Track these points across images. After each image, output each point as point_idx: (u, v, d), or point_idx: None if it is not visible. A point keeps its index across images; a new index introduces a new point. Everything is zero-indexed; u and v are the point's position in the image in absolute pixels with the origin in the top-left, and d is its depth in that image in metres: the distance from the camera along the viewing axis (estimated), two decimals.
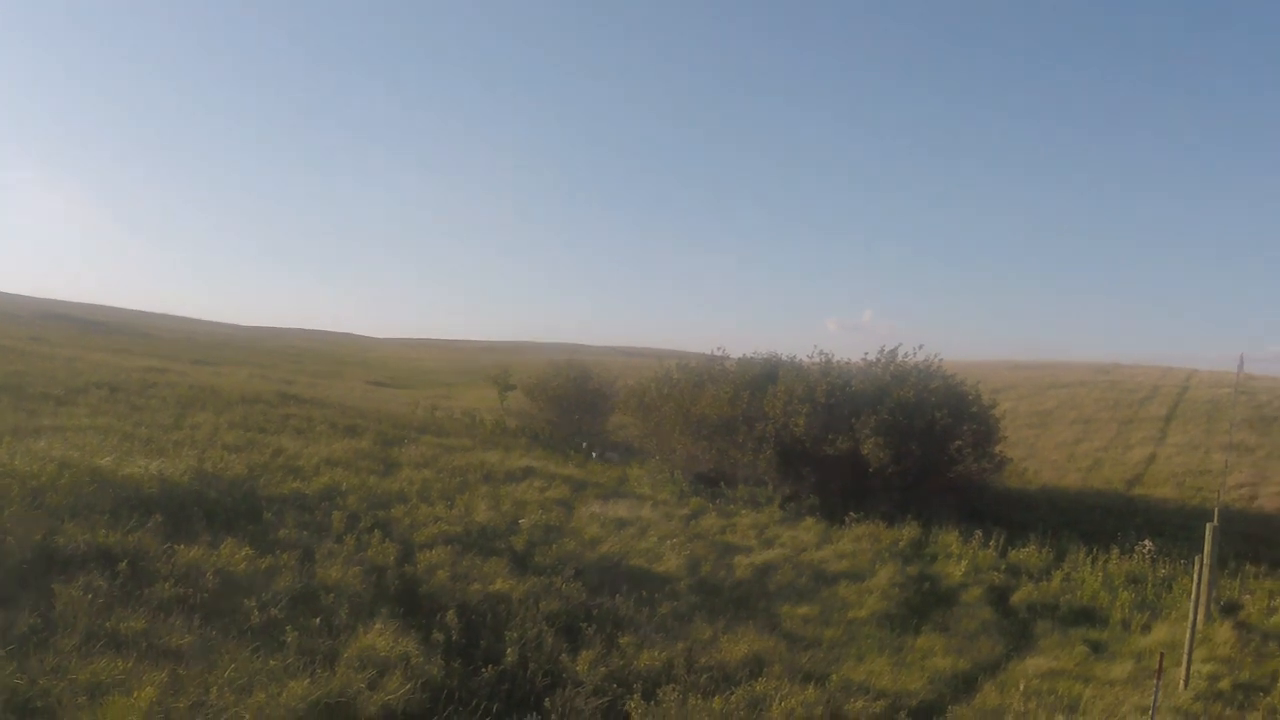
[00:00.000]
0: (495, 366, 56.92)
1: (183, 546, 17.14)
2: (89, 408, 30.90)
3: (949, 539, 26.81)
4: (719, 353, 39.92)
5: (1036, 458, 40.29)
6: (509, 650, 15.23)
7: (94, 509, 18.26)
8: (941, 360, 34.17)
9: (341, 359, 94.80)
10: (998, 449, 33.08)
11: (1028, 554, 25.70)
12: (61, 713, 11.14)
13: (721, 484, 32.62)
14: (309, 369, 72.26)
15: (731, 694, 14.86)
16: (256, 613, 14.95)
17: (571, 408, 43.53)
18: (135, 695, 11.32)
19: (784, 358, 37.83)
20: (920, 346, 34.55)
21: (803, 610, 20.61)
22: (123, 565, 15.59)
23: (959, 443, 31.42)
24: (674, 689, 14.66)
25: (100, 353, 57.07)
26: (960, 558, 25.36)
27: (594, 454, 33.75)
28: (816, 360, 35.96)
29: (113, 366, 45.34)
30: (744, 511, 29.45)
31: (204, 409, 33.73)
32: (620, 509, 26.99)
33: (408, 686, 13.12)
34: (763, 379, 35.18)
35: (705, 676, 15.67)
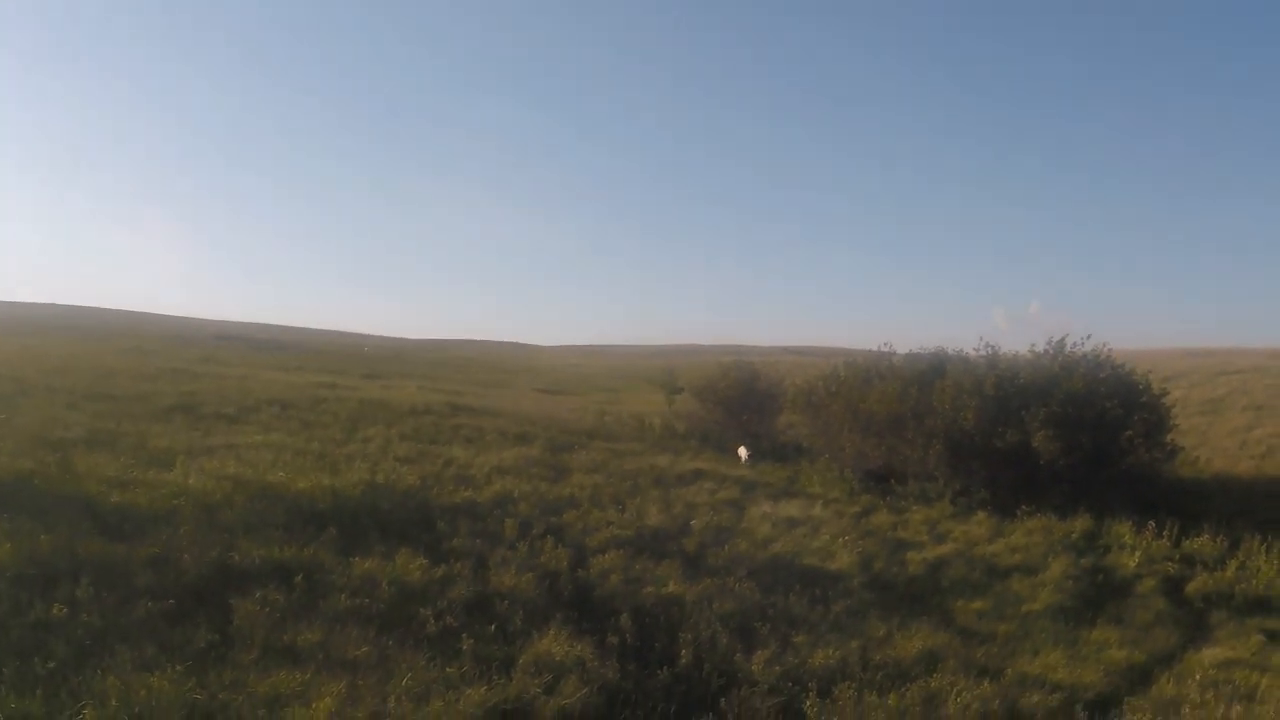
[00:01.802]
0: (661, 370, 56.90)
1: (357, 558, 17.44)
2: (260, 425, 31.60)
3: (1121, 530, 26.12)
4: (886, 349, 39.61)
5: (1208, 446, 39.15)
6: (683, 652, 15.14)
7: (268, 524, 18.64)
8: (1110, 350, 33.38)
9: (508, 368, 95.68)
10: (1169, 438, 32.12)
11: (1201, 543, 24.83)
12: None
13: (891, 480, 32.21)
14: (477, 379, 72.99)
15: (906, 690, 14.62)
16: (432, 621, 15.12)
17: (739, 409, 43.23)
18: (314, 706, 11.47)
19: (951, 352, 37.30)
20: (1089, 336, 33.86)
21: (976, 605, 20.28)
22: (298, 579, 15.88)
23: (1130, 433, 30.61)
24: (849, 686, 14.48)
25: (271, 371, 58.26)
26: (1133, 549, 24.64)
27: (743, 451, 33.61)
28: (983, 353, 35.38)
29: (283, 384, 46.27)
30: (915, 507, 29.07)
31: (375, 423, 34.25)
32: (791, 508, 26.77)
33: (584, 690, 13.11)
34: (930, 374, 34.73)
35: (880, 674, 15.45)
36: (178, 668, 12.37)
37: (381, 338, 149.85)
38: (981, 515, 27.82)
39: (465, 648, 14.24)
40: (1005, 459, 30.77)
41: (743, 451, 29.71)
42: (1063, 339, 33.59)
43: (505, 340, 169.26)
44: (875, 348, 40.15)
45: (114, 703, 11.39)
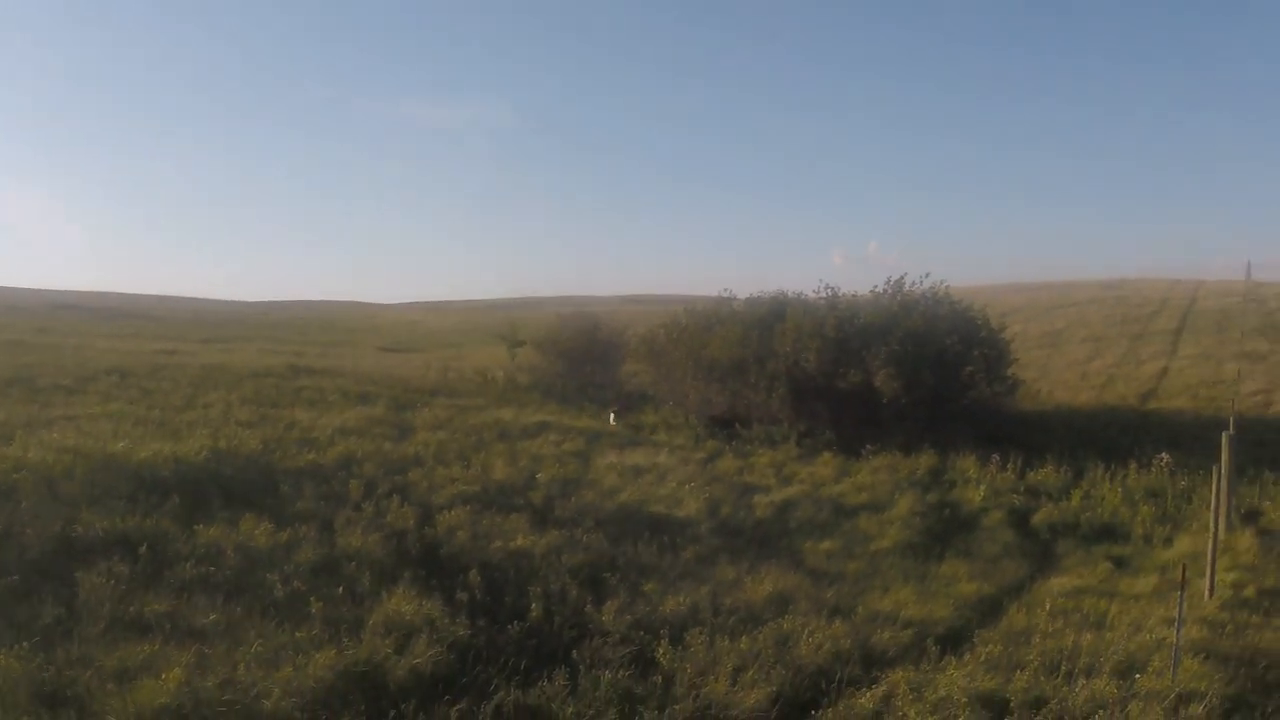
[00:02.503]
0: (503, 323, 56.77)
1: (201, 526, 17.30)
2: (100, 395, 31.05)
3: (967, 465, 26.74)
4: (726, 294, 39.86)
5: (1049, 378, 40.17)
6: (533, 606, 15.21)
7: (111, 495, 18.42)
8: (948, 287, 33.97)
9: (350, 327, 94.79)
10: (1010, 372, 32.93)
11: (1046, 474, 25.62)
12: (90, 700, 11.18)
13: (737, 425, 32.53)
14: (318, 339, 72.33)
15: (759, 633, 14.77)
16: (279, 586, 15.05)
17: (582, 360, 43.31)
18: (163, 677, 11.38)
19: (791, 295, 37.69)
20: (927, 275, 34.46)
21: (825, 545, 20.60)
22: (143, 549, 15.73)
23: (971, 369, 31.21)
24: (700, 632, 14.61)
25: (108, 339, 57.16)
26: (979, 483, 25.29)
27: (612, 415, 33.58)
28: (823, 295, 35.79)
29: (121, 352, 45.46)
30: (760, 451, 29.43)
31: (216, 388, 33.84)
32: (637, 457, 26.99)
33: (435, 649, 13.10)
34: (771, 317, 35.04)
35: (732, 618, 15.60)
36: (24, 645, 12.15)
37: (220, 301, 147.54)
38: (827, 456, 28.27)
39: (314, 611, 14.20)
40: (849, 399, 31.26)
41: (613, 417, 29.69)
42: (901, 278, 34.19)
43: (345, 300, 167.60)
44: (715, 293, 40.46)
45: None
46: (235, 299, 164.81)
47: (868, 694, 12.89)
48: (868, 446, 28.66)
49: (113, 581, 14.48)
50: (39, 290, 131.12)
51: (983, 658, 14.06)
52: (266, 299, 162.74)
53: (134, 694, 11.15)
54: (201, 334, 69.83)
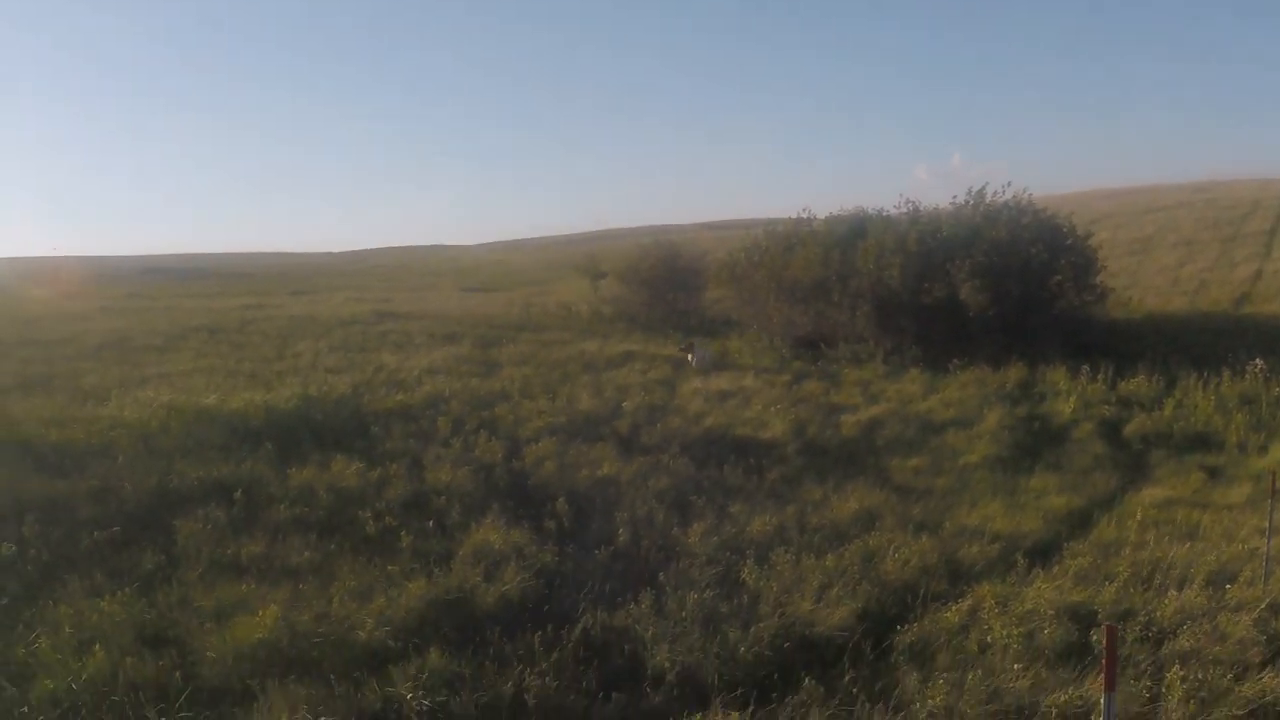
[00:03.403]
0: (583, 257, 56.72)
1: (294, 470, 17.77)
2: (191, 352, 31.76)
3: (1056, 376, 26.44)
4: (805, 214, 39.56)
5: (1139, 286, 39.46)
6: (620, 531, 15.41)
7: (205, 446, 18.96)
8: (1031, 196, 33.49)
9: (434, 271, 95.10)
10: (1098, 280, 32.35)
11: (1137, 384, 25.27)
12: (190, 639, 11.55)
13: (822, 346, 32.39)
14: (404, 285, 72.68)
15: (845, 550, 14.85)
16: (371, 523, 15.43)
17: (664, 288, 43.12)
18: (259, 614, 11.69)
19: (871, 211, 37.34)
20: (1009, 184, 34.06)
21: (913, 462, 20.56)
22: (238, 495, 16.19)
23: (1058, 278, 30.77)
24: (786, 551, 14.68)
25: (197, 298, 57.93)
26: (1069, 394, 24.98)
27: (691, 357, 32.86)
28: (904, 210, 35.48)
29: (211, 310, 46.11)
30: (847, 370, 29.31)
31: (304, 337, 34.39)
32: (722, 381, 27.06)
33: (523, 576, 13.34)
34: (852, 235, 34.76)
35: (818, 536, 15.65)
36: (126, 591, 12.62)
37: (306, 254, 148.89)
38: (914, 373, 28.11)
39: (404, 545, 14.52)
40: (934, 315, 31.03)
41: (692, 358, 29.39)
42: (982, 188, 33.76)
43: (428, 244, 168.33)
44: (796, 215, 40.13)
45: (67, 629, 11.63)
46: (320, 250, 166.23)
47: (953, 608, 12.92)
48: (955, 361, 28.42)
49: (209, 527, 14.96)
50: (128, 256, 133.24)
51: (1071, 570, 14.06)
52: (351, 249, 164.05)
53: (231, 631, 11.48)
54: (289, 287, 70.41)
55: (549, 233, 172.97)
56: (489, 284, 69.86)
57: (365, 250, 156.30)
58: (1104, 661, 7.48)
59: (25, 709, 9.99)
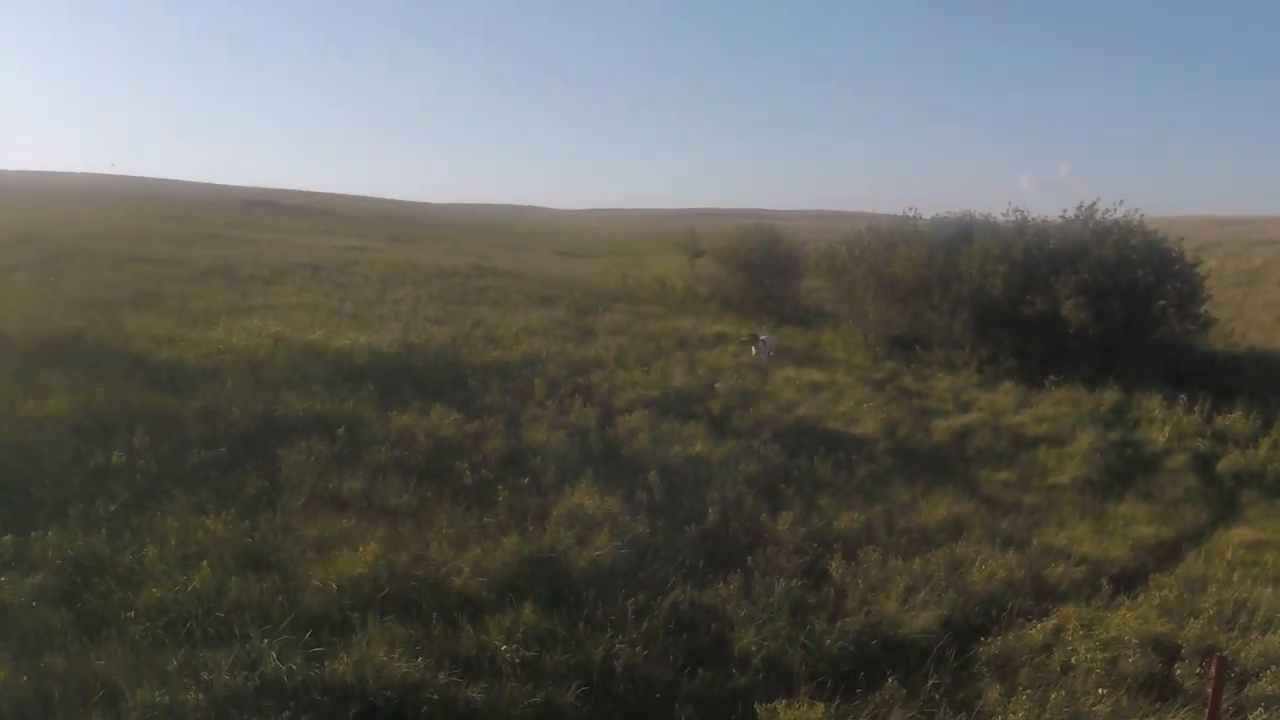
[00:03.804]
0: (680, 234, 56.50)
1: (395, 413, 18.08)
2: (295, 287, 32.17)
3: (1152, 403, 26.00)
4: (911, 213, 39.30)
5: (1243, 319, 38.65)
6: (710, 510, 15.55)
7: (309, 379, 19.36)
8: (1142, 216, 33.07)
9: (528, 231, 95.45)
10: (1203, 309, 31.90)
11: (1234, 420, 24.58)
12: (292, 565, 11.91)
13: (916, 347, 32.19)
14: (498, 242, 72.96)
15: (931, 556, 14.94)
16: (468, 473, 15.72)
17: (761, 273, 42.90)
18: (360, 550, 12.02)
19: (978, 217, 37.01)
20: (1120, 202, 33.50)
21: (1002, 475, 20.47)
22: (340, 430, 16.55)
23: (1162, 303, 30.33)
24: (874, 550, 14.82)
25: (300, 235, 58.53)
26: (1163, 423, 24.50)
27: (754, 350, 31.77)
28: (1012, 219, 35.11)
29: (313, 248, 46.57)
30: (940, 375, 29.14)
31: (404, 284, 34.67)
32: (815, 373, 26.99)
33: (615, 543, 13.58)
34: (957, 239, 34.44)
35: (904, 538, 15.76)
36: (231, 511, 13.08)
37: (402, 201, 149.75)
38: (1008, 385, 27.82)
39: (501, 499, 14.79)
40: (1033, 327, 30.75)
41: (755, 350, 28.74)
42: (1093, 204, 33.26)
43: (523, 204, 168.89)
44: (898, 212, 39.84)
45: (173, 542, 12.05)
46: (417, 199, 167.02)
47: (1038, 626, 13.01)
48: (1050, 377, 28.02)
49: (312, 459, 15.34)
50: (233, 186, 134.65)
51: (1156, 601, 14.04)
52: (447, 200, 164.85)
53: (333, 563, 11.84)
54: (387, 232, 70.90)
55: (641, 205, 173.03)
56: (582, 250, 70.00)
57: (461, 204, 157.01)
58: (1210, 694, 7.56)
59: (132, 614, 10.32)
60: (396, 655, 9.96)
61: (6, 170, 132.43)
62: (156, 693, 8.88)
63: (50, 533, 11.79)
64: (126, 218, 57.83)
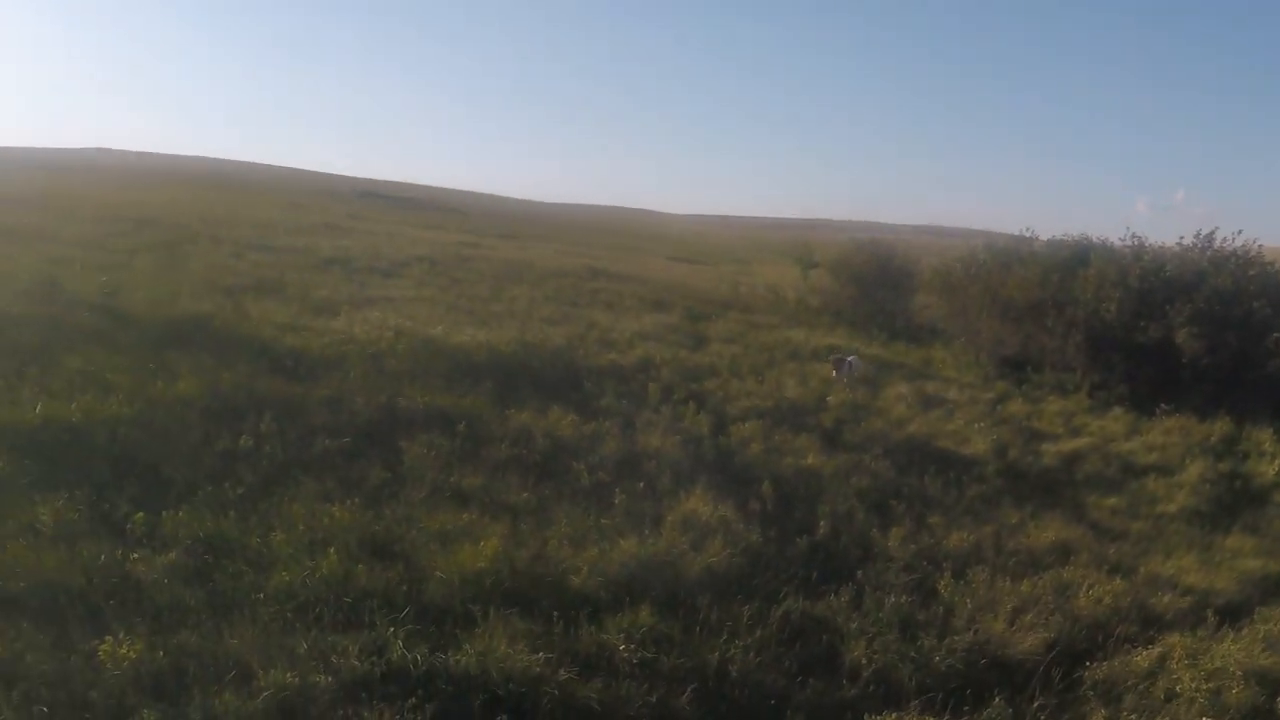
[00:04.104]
0: (790, 243, 56.86)
1: (513, 411, 18.34)
2: (413, 280, 32.74)
3: (1262, 436, 25.53)
4: (1027, 233, 39.07)
5: None
6: (821, 523, 15.61)
7: (429, 374, 19.72)
8: (1260, 247, 32.69)
9: (639, 235, 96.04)
10: None
11: None
12: (416, 556, 12.19)
13: (1028, 368, 32.02)
14: (609, 243, 73.47)
15: (1039, 578, 14.91)
16: (585, 475, 15.90)
17: (874, 286, 42.65)
18: (481, 545, 12.27)
19: (1095, 240, 36.75)
20: (1239, 232, 33.08)
21: (1110, 501, 20.27)
22: (461, 426, 16.82)
23: (1277, 335, 30.11)
24: (982, 569, 14.83)
25: (413, 228, 59.36)
26: (1274, 457, 23.94)
27: (835, 372, 30.19)
28: (1129, 244, 34.85)
29: (428, 241, 47.27)
30: (1050, 398, 28.91)
31: (519, 283, 35.12)
32: (926, 389, 27.00)
33: (728, 551, 13.71)
34: (1073, 261, 34.14)
35: (1013, 560, 15.67)
36: (355, 500, 13.40)
37: (516, 200, 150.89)
38: (1119, 411, 27.58)
39: (617, 501, 14.95)
40: (1146, 355, 30.45)
41: (837, 373, 27.95)
42: (1211, 233, 32.89)
43: (633, 206, 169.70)
44: (1008, 231, 39.65)
45: (300, 527, 12.37)
46: (527, 197, 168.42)
47: (1143, 653, 12.97)
48: (1161, 406, 27.73)
49: (433, 453, 15.62)
50: (345, 176, 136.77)
51: (1261, 634, 13.88)
52: (557, 200, 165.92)
53: (454, 556, 12.08)
54: (499, 230, 71.65)
55: (752, 213, 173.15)
56: (693, 255, 70.31)
57: (572, 204, 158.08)
58: None
59: (262, 596, 10.66)
60: (518, 649, 10.19)
61: (127, 150, 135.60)
62: (287, 674, 9.16)
63: (181, 512, 12.13)
64: (239, 202, 59.00)
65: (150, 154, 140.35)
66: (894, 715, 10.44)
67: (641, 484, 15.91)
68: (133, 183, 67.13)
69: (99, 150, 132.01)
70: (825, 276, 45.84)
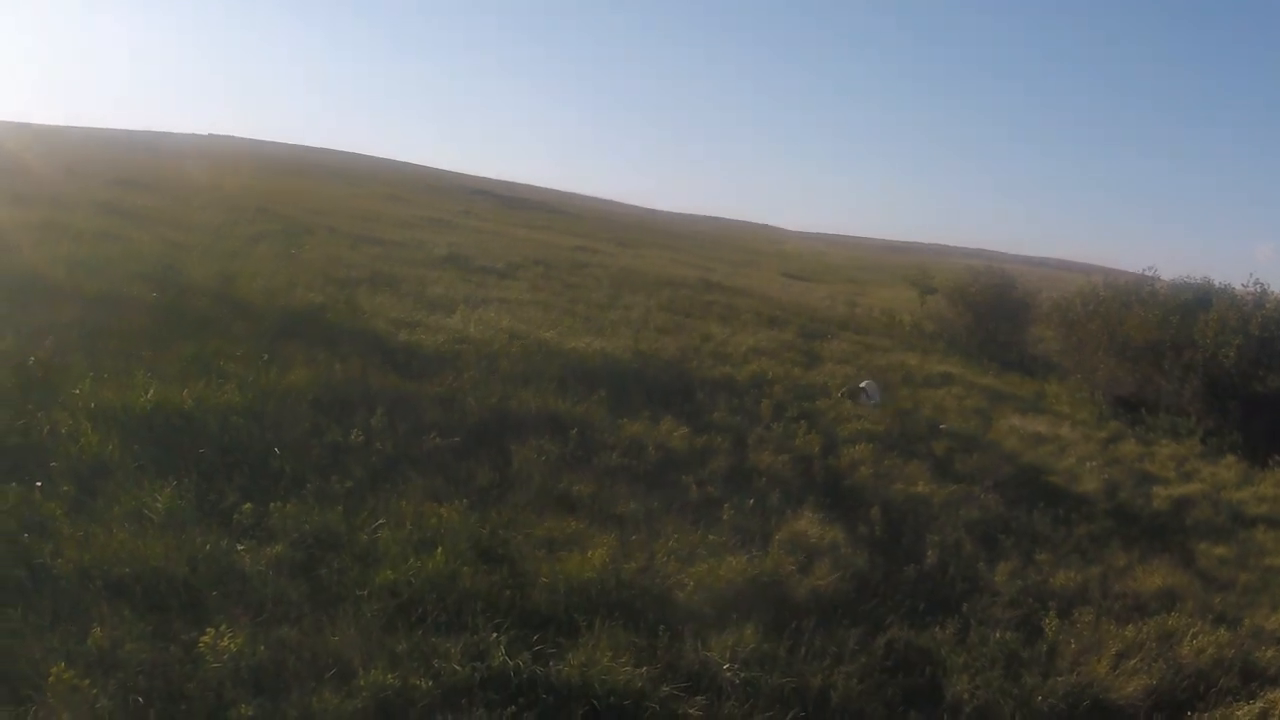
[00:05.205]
0: (906, 266, 56.50)
1: (625, 420, 18.23)
2: (527, 283, 32.87)
3: None
4: (1149, 272, 38.59)
5: None
6: (930, 552, 15.41)
7: (542, 378, 19.51)
8: None
9: (753, 249, 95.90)
10: None
11: None
12: (521, 561, 12.10)
13: (1142, 409, 31.60)
14: (723, 257, 73.42)
15: (1144, 624, 14.60)
16: (694, 489, 15.77)
17: (989, 316, 42.10)
18: (589, 554, 12.17)
19: (1217, 284, 36.25)
20: None
21: (1219, 550, 19.74)
22: (572, 432, 16.67)
23: None
24: (1088, 610, 14.54)
25: (525, 229, 59.75)
26: None
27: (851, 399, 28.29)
28: (1251, 290, 34.33)
29: (539, 243, 47.55)
30: (1163, 441, 28.38)
31: (633, 291, 35.09)
32: (1039, 424, 26.53)
33: (836, 575, 13.56)
34: (1193, 304, 33.60)
35: (1119, 603, 15.35)
36: (463, 500, 13.32)
37: (627, 205, 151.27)
38: (1231, 459, 27.03)
39: (725, 517, 14.78)
40: (1263, 403, 29.91)
41: (851, 401, 26.47)
42: None
43: (750, 220, 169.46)
44: (1127, 269, 39.17)
45: (408, 525, 12.33)
46: (640, 205, 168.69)
47: (1245, 707, 12.64)
48: (1275, 457, 27.37)
49: (543, 457, 15.53)
50: (454, 173, 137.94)
51: None
52: (670, 209, 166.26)
53: (562, 564, 11.99)
54: (613, 236, 71.85)
55: (867, 233, 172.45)
56: (807, 273, 70.10)
57: (686, 214, 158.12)
58: None
59: (365, 593, 10.63)
60: (622, 661, 10.07)
61: (237, 136, 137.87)
62: (388, 675, 9.08)
63: (289, 504, 12.09)
64: (350, 197, 59.54)
65: (261, 141, 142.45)
66: None
67: (751, 501, 15.75)
68: (244, 169, 68.06)
69: (211, 137, 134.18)
70: (941, 302, 45.46)
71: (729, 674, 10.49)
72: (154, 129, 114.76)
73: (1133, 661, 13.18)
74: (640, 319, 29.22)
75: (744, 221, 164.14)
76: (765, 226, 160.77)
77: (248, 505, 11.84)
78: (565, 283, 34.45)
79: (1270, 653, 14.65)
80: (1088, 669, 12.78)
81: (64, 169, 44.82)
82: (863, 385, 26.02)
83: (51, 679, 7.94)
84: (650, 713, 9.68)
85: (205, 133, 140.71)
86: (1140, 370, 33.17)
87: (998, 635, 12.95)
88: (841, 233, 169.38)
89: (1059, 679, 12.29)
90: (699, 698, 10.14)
